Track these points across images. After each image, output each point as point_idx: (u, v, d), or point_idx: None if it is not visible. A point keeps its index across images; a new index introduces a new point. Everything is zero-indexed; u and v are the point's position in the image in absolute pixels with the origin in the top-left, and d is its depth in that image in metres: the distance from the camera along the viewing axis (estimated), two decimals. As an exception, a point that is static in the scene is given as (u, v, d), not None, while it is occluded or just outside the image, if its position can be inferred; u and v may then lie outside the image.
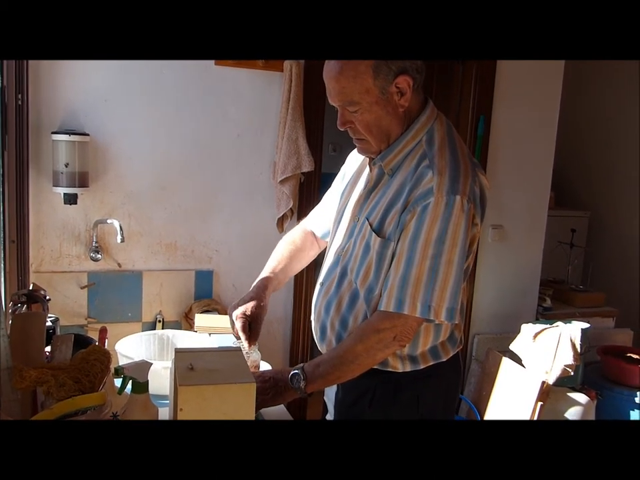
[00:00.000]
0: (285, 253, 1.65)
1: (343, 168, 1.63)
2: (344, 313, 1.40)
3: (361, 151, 1.42)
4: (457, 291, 1.27)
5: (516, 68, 3.09)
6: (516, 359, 2.95)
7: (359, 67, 1.23)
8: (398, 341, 1.28)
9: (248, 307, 1.49)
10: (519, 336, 2.99)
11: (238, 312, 1.48)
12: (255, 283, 1.58)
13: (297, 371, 1.30)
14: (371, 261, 1.33)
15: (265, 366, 1.61)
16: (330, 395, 1.55)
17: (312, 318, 1.53)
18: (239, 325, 1.46)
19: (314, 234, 1.69)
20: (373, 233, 1.31)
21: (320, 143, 2.86)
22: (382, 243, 1.30)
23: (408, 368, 1.38)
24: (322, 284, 1.48)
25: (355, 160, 1.57)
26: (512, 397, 2.85)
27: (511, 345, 3.00)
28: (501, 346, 3.12)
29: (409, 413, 1.39)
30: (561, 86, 3.21)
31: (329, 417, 1.59)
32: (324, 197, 1.69)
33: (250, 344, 1.46)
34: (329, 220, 1.59)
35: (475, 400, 3.09)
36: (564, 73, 3.21)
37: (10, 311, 1.32)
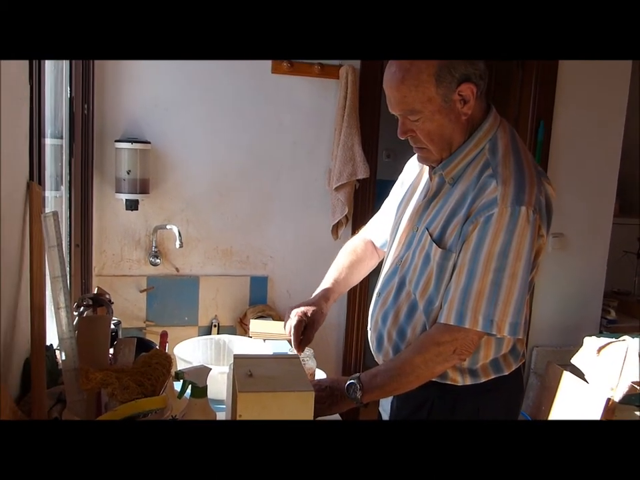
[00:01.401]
0: (345, 263, 1.63)
1: (401, 176, 1.61)
2: (402, 324, 1.38)
3: (421, 160, 1.39)
4: (521, 306, 1.23)
5: (579, 69, 2.98)
6: (578, 373, 2.84)
7: (421, 76, 1.19)
8: (458, 355, 1.25)
9: (309, 309, 1.48)
10: (581, 349, 2.87)
11: (298, 310, 1.47)
12: (316, 292, 1.57)
13: (353, 381, 1.28)
14: (431, 272, 1.30)
15: (318, 373, 1.60)
16: (385, 406, 1.54)
17: (368, 328, 1.51)
18: (293, 321, 1.45)
19: (373, 243, 1.67)
20: (434, 244, 1.28)
21: (375, 150, 2.84)
22: (443, 254, 1.27)
23: (468, 381, 1.35)
24: (379, 294, 1.46)
25: (413, 168, 1.54)
26: (574, 414, 2.74)
27: (572, 358, 2.89)
28: (562, 359, 3.01)
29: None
30: (628, 87, 3.08)
31: None
32: (382, 206, 1.67)
33: (299, 349, 1.45)
34: (388, 229, 1.57)
35: (534, 415, 3.00)
36: (631, 73, 3.08)
37: (76, 313, 1.36)
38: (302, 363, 1.38)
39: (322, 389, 1.31)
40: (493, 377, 1.36)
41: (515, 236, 1.18)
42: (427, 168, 1.43)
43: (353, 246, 1.68)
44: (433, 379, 1.32)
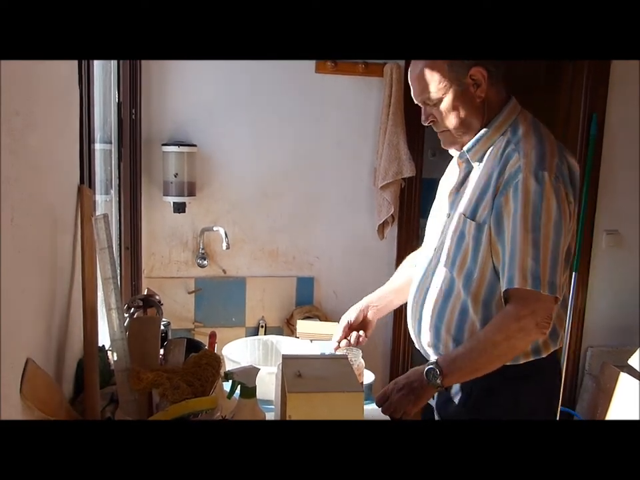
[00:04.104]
0: (397, 282, 1.68)
1: (437, 193, 1.64)
2: (440, 306, 1.40)
3: (446, 144, 1.46)
4: (555, 265, 1.25)
5: (632, 61, 2.87)
6: (635, 374, 2.74)
7: (435, 64, 1.32)
8: (540, 328, 1.25)
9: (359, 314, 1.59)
10: (638, 350, 2.77)
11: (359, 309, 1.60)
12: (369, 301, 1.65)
13: (432, 366, 1.28)
14: (467, 247, 1.34)
15: (366, 374, 1.59)
16: None
17: (409, 316, 1.52)
18: (346, 320, 1.58)
19: None
20: (467, 220, 1.34)
21: (421, 148, 2.80)
22: (477, 227, 1.32)
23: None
24: (417, 285, 1.49)
25: (444, 179, 1.60)
26: (631, 416, 2.64)
27: (629, 359, 2.78)
28: (618, 360, 2.90)
29: (507, 414, 1.35)
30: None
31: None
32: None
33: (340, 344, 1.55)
34: None
35: (589, 418, 2.90)
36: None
37: (127, 315, 1.38)
38: (350, 361, 1.38)
39: (400, 388, 1.31)
40: (531, 359, 1.36)
41: (544, 198, 1.25)
42: (454, 167, 1.50)
43: (404, 266, 1.71)
44: None
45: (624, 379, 2.76)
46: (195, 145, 2.56)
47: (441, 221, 1.46)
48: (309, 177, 2.74)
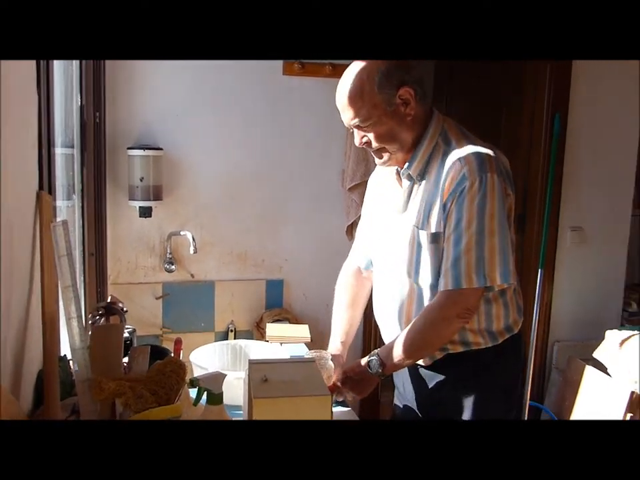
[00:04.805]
0: (343, 309, 1.66)
1: (365, 199, 1.71)
2: (413, 317, 1.44)
3: (384, 164, 1.48)
4: (505, 256, 1.34)
5: (594, 60, 2.92)
6: (601, 367, 2.79)
7: (364, 87, 1.35)
8: (461, 318, 1.36)
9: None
10: (603, 343, 2.82)
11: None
12: (330, 344, 1.62)
13: (373, 358, 1.42)
14: (426, 259, 1.40)
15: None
16: (400, 387, 1.61)
17: (383, 335, 1.58)
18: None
19: (360, 269, 1.70)
20: (421, 231, 1.40)
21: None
22: (432, 237, 1.38)
23: (489, 343, 1.44)
24: (384, 301, 1.53)
25: (374, 186, 1.65)
26: (598, 408, 2.69)
27: (594, 352, 2.83)
28: (584, 354, 2.95)
29: (491, 392, 1.45)
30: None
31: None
32: (357, 232, 1.76)
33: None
34: (369, 249, 1.63)
35: (557, 411, 2.95)
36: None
37: (89, 323, 1.35)
38: (319, 365, 1.39)
39: (348, 377, 1.46)
40: (507, 336, 1.46)
41: (487, 200, 1.32)
42: (390, 179, 1.53)
43: (344, 285, 1.71)
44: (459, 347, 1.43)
45: (589, 371, 2.81)
46: (161, 149, 2.52)
47: (394, 236, 1.49)
48: (277, 179, 2.73)
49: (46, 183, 1.26)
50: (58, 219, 1.42)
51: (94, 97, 2.16)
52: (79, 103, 2.04)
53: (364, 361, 1.45)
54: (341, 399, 1.51)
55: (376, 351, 1.44)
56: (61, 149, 1.79)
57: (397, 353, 1.40)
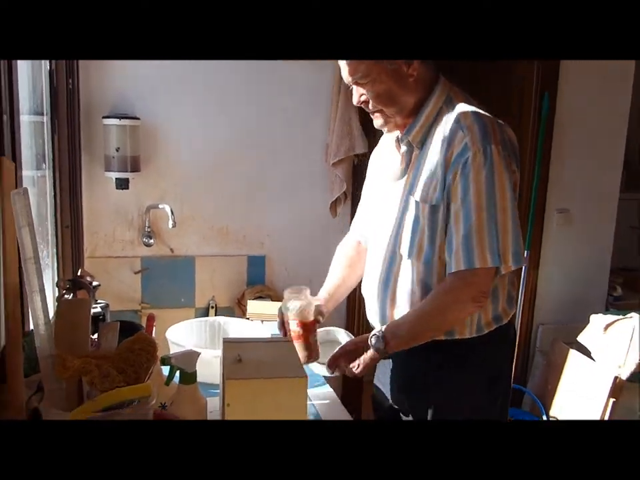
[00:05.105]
0: (337, 274, 1.62)
1: (367, 172, 1.62)
2: (400, 295, 1.39)
3: (381, 126, 1.42)
4: (517, 235, 1.27)
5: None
6: (584, 351, 2.78)
7: None
8: (476, 301, 1.29)
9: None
10: (587, 327, 2.81)
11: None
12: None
13: (376, 333, 1.35)
14: (422, 232, 1.33)
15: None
16: (382, 378, 1.54)
17: (367, 309, 1.51)
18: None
19: (360, 243, 1.64)
20: (420, 203, 1.32)
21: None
22: (431, 210, 1.31)
23: (474, 333, 1.37)
24: (373, 274, 1.46)
25: (376, 158, 1.58)
26: (580, 392, 2.68)
27: (578, 336, 2.82)
28: (568, 337, 2.93)
29: (473, 381, 1.39)
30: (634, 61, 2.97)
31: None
32: (360, 202, 1.66)
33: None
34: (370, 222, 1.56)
35: (540, 394, 2.94)
36: (639, 43, 2.95)
37: (56, 297, 1.28)
38: (299, 298, 1.42)
39: (348, 352, 1.39)
40: (494, 327, 1.39)
41: (495, 172, 1.24)
42: (390, 148, 1.46)
43: (344, 252, 1.65)
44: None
45: (573, 355, 2.80)
46: (138, 118, 2.43)
47: (389, 206, 1.42)
48: (260, 153, 2.66)
49: (8, 149, 1.18)
50: (30, 190, 1.34)
51: (66, 62, 2.06)
52: (48, 68, 1.93)
53: (367, 335, 1.38)
54: (337, 374, 1.43)
55: (382, 327, 1.37)
56: (28, 115, 1.70)
57: (403, 333, 1.34)
